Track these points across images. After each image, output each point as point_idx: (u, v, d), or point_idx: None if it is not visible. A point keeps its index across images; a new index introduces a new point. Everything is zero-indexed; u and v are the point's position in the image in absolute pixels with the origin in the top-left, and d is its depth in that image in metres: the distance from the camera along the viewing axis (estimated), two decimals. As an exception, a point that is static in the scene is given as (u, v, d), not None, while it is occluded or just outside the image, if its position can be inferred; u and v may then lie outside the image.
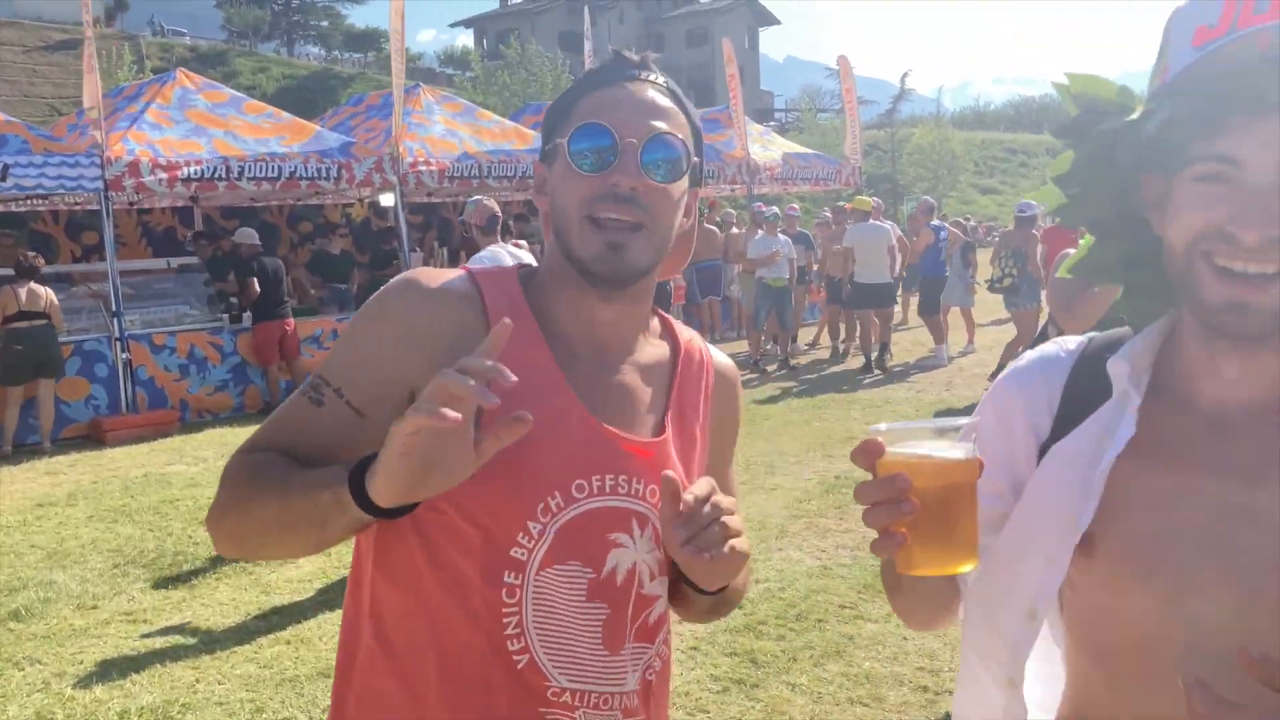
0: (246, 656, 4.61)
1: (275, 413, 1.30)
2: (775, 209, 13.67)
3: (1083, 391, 1.19)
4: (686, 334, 1.45)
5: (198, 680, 4.38)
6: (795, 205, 14.83)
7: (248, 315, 11.10)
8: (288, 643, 4.75)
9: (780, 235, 12.55)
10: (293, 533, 1.19)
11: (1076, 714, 1.21)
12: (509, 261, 2.79)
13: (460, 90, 42.73)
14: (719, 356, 1.48)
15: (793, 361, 12.94)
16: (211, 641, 4.81)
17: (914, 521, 1.00)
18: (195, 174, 10.41)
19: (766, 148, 17.19)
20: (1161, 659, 1.07)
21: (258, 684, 4.31)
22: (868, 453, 1.01)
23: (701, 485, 1.16)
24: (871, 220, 12.21)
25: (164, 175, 10.18)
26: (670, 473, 1.15)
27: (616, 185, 1.22)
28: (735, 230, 15.39)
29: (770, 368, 12.56)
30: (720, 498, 1.16)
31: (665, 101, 1.29)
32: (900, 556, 1.02)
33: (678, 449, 1.34)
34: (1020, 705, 1.17)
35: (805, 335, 14.89)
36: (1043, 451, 1.20)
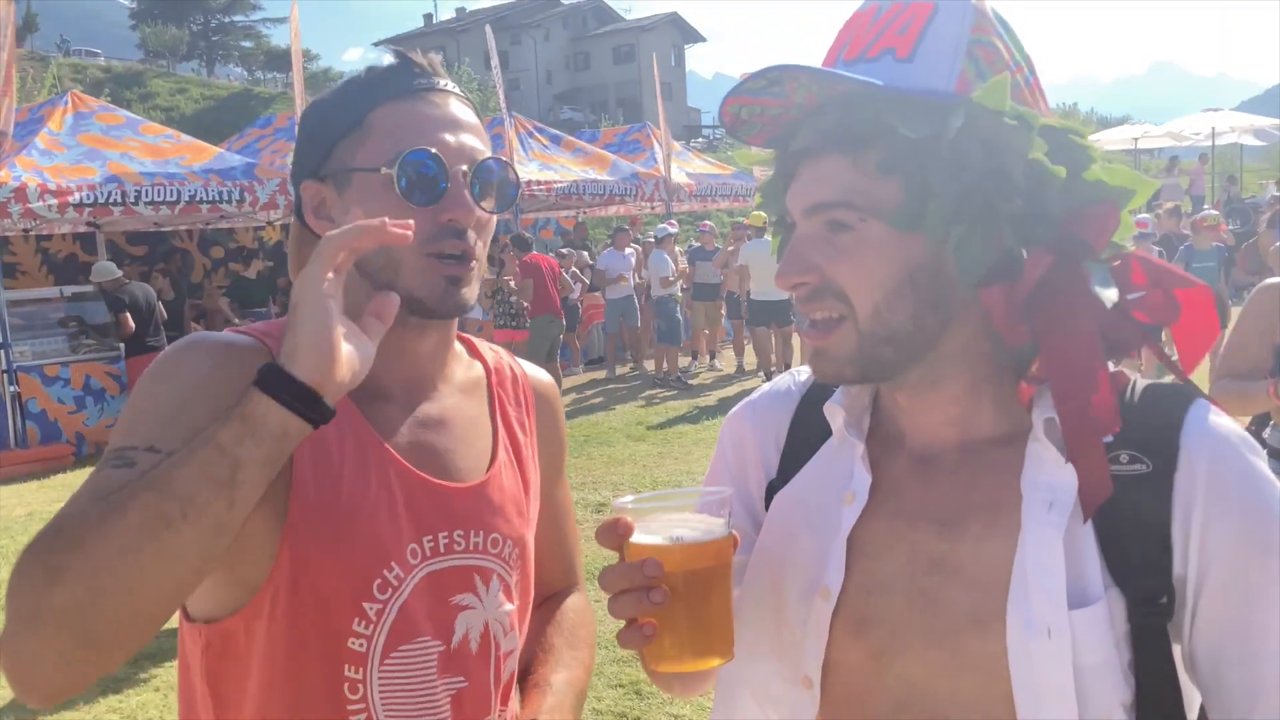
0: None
1: (72, 500, 0.99)
2: (665, 226, 13.86)
3: (805, 430, 1.15)
4: (491, 352, 1.37)
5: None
6: (707, 222, 15.00)
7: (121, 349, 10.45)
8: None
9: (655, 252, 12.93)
10: (185, 525, 0.90)
11: None
12: None
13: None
14: (532, 370, 1.41)
15: (692, 381, 12.93)
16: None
17: (664, 612, 0.92)
18: (88, 199, 10.05)
19: (683, 169, 17.23)
20: (876, 715, 1.02)
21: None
22: (614, 533, 0.94)
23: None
24: (767, 236, 12.27)
25: (54, 201, 9.83)
26: None
27: (454, 221, 1.13)
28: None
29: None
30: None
31: (473, 117, 1.19)
32: (649, 651, 0.95)
33: (510, 476, 1.26)
34: None
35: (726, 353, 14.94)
36: (770, 492, 1.15)
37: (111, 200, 10.21)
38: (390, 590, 1.12)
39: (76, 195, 9.97)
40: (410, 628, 1.13)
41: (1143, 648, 0.92)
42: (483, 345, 1.37)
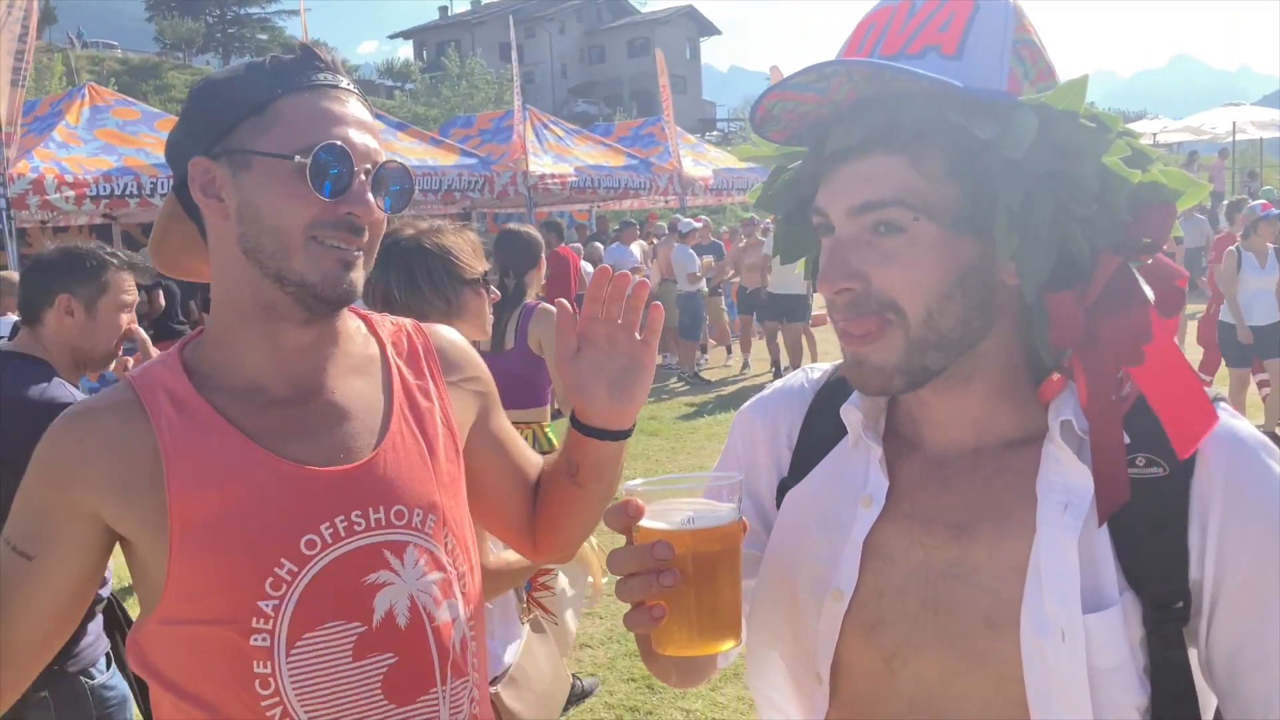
0: None
1: None
2: (690, 220, 13.76)
3: (818, 429, 1.14)
4: (390, 326, 1.38)
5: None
6: (703, 217, 15.04)
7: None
8: None
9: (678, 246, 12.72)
10: None
11: None
12: None
13: (400, 103, 42.40)
14: (436, 329, 1.42)
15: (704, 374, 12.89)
16: None
17: (673, 594, 0.91)
18: (105, 190, 10.12)
19: (698, 161, 17.21)
20: (888, 717, 1.03)
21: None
22: (625, 515, 0.93)
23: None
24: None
25: (71, 193, 9.89)
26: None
27: (354, 215, 1.17)
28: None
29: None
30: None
31: (371, 118, 1.23)
32: (657, 634, 0.94)
33: (408, 445, 1.26)
34: None
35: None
36: (781, 490, 1.15)
37: (128, 192, 10.27)
38: (285, 585, 1.15)
39: (93, 187, 10.04)
40: (314, 616, 1.16)
41: (1158, 652, 0.92)
42: (383, 321, 1.38)
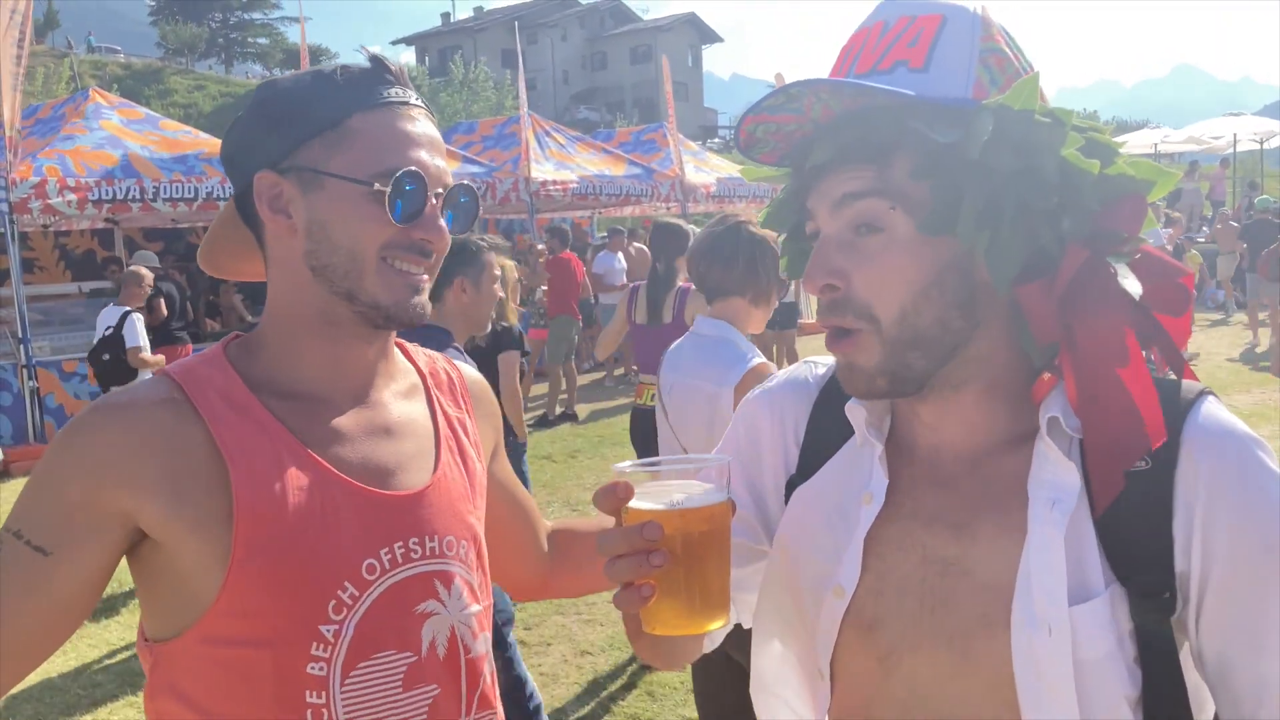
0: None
1: None
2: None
3: (826, 427, 1.14)
4: (425, 356, 1.38)
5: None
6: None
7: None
8: None
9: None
10: None
11: None
12: None
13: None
14: (464, 367, 1.43)
15: None
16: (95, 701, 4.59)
17: (662, 574, 0.91)
18: (108, 195, 10.11)
19: (699, 168, 17.22)
20: (883, 717, 1.03)
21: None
22: (614, 496, 0.93)
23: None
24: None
25: (73, 197, 9.88)
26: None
27: (426, 241, 1.17)
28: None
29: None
30: None
31: (438, 134, 1.22)
32: (646, 614, 0.94)
33: (456, 475, 1.26)
34: None
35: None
36: (789, 487, 1.15)
37: (130, 196, 10.26)
38: (346, 610, 1.12)
39: (95, 191, 10.03)
40: (370, 644, 1.13)
41: (1147, 642, 0.93)
42: (413, 349, 1.38)
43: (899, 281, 0.96)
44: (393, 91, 1.18)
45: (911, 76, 0.97)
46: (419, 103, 1.21)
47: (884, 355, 0.98)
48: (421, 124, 1.19)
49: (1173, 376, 1.01)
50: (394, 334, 1.27)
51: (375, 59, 1.20)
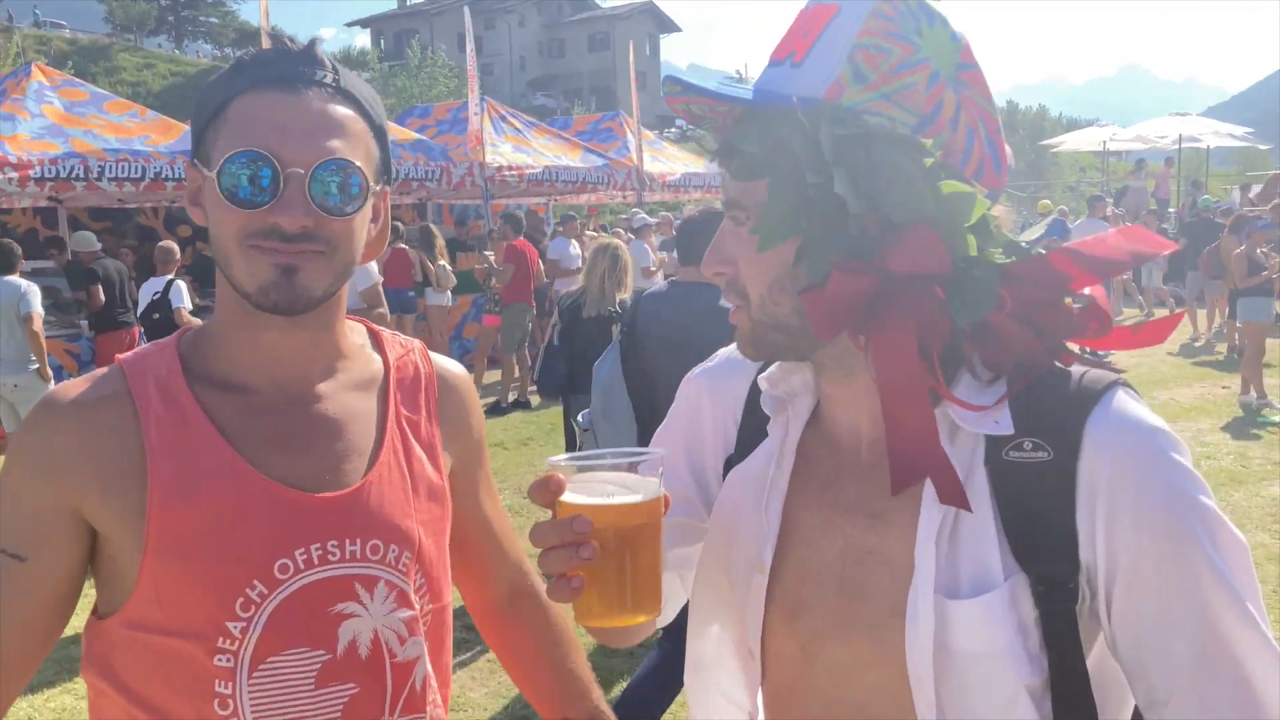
0: None
1: None
2: (645, 216, 13.85)
3: (760, 407, 1.16)
4: (399, 347, 1.33)
5: None
6: (665, 212, 15.21)
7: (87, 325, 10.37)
8: None
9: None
10: None
11: None
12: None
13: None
14: (443, 362, 1.38)
15: None
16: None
17: (593, 567, 0.93)
18: (50, 173, 9.87)
19: (656, 157, 17.22)
20: (804, 706, 1.05)
21: None
22: (547, 490, 0.95)
23: None
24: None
25: (14, 174, 9.64)
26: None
27: (280, 225, 1.10)
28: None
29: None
30: None
31: (339, 111, 1.15)
32: (577, 605, 0.96)
33: (395, 479, 1.23)
34: None
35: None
36: (727, 466, 1.17)
37: (74, 175, 10.02)
38: (254, 607, 1.13)
39: (38, 169, 9.79)
40: (280, 640, 1.14)
41: (1051, 630, 0.94)
42: (394, 340, 1.34)
43: (755, 273, 1.02)
44: (284, 69, 1.14)
45: (791, 71, 1.00)
46: (320, 78, 1.15)
47: (751, 331, 1.05)
48: (302, 97, 1.13)
49: (1086, 362, 1.00)
50: (334, 322, 1.23)
51: (275, 39, 1.18)
